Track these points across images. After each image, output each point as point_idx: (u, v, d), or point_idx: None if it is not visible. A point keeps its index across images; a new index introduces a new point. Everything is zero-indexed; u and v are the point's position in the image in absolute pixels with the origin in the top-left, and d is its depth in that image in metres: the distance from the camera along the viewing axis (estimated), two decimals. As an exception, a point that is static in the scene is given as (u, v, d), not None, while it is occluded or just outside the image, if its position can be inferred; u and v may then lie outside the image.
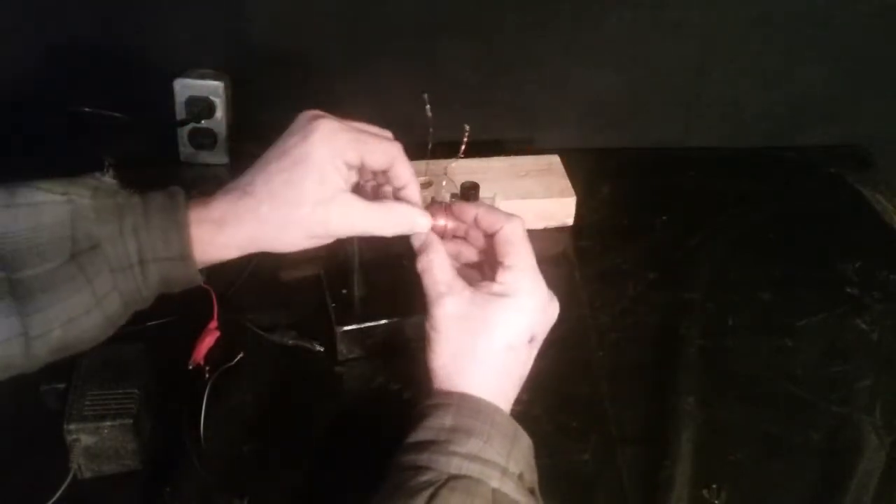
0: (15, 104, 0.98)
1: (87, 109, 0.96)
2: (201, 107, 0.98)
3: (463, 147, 0.86)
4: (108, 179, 0.57)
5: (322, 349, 0.78)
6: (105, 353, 0.69)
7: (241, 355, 0.76)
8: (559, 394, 0.75)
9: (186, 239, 0.54)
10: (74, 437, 0.64)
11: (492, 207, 0.60)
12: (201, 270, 0.57)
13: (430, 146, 0.80)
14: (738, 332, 0.84)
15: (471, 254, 0.62)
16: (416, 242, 0.60)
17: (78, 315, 0.53)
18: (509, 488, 0.51)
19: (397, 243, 0.61)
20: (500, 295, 0.56)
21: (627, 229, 0.97)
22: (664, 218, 0.98)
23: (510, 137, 1.07)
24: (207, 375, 0.73)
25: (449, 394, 0.55)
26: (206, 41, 1.01)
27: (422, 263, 0.58)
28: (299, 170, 0.55)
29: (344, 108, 0.60)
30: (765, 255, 0.94)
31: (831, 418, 0.75)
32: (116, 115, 0.96)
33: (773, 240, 0.96)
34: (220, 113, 0.99)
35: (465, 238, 0.62)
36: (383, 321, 0.77)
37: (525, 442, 0.55)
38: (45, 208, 0.53)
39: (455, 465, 0.51)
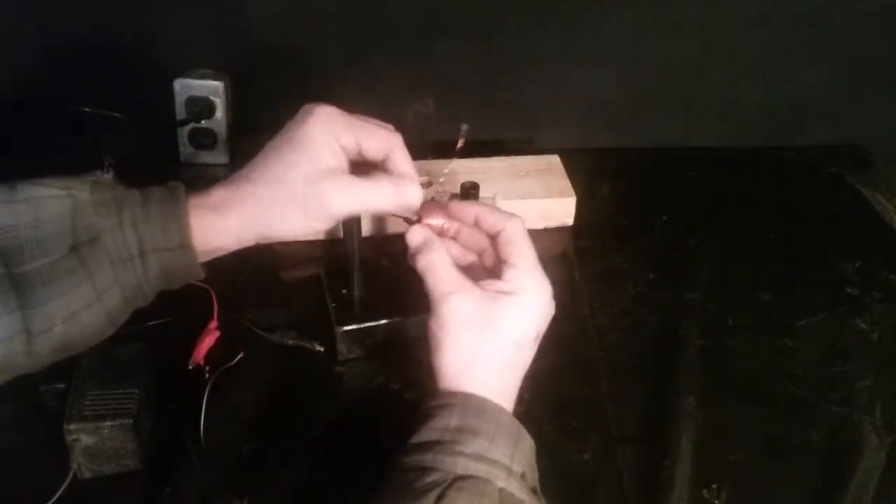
0: (15, 104, 0.98)
1: (87, 109, 0.96)
2: (201, 107, 0.98)
3: (459, 145, 0.86)
4: (107, 176, 0.57)
5: (322, 349, 0.78)
6: (105, 353, 0.69)
7: (241, 355, 0.76)
8: (559, 394, 0.75)
9: (185, 227, 0.55)
10: (74, 437, 0.64)
11: (492, 207, 0.61)
12: (202, 265, 0.57)
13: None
14: (738, 332, 0.84)
15: (462, 254, 0.62)
16: (413, 241, 0.60)
17: (79, 310, 0.53)
18: (515, 488, 0.52)
19: (397, 243, 0.61)
20: (507, 293, 0.57)
21: (627, 229, 0.97)
22: (664, 218, 0.98)
23: (510, 137, 1.07)
24: (207, 375, 0.73)
25: (453, 394, 0.55)
26: (206, 41, 1.01)
27: (424, 262, 0.58)
28: (295, 151, 0.56)
29: (344, 107, 0.60)
30: (765, 255, 0.94)
31: (831, 418, 0.75)
32: (116, 115, 0.96)
33: (773, 240, 0.96)
34: (220, 113, 0.99)
35: (454, 238, 0.62)
36: (383, 321, 0.77)
37: (528, 442, 0.55)
38: (46, 203, 0.53)
39: (461, 466, 0.51)
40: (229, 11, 0.98)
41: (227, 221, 0.56)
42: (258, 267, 0.86)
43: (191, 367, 0.74)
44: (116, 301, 0.54)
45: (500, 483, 0.51)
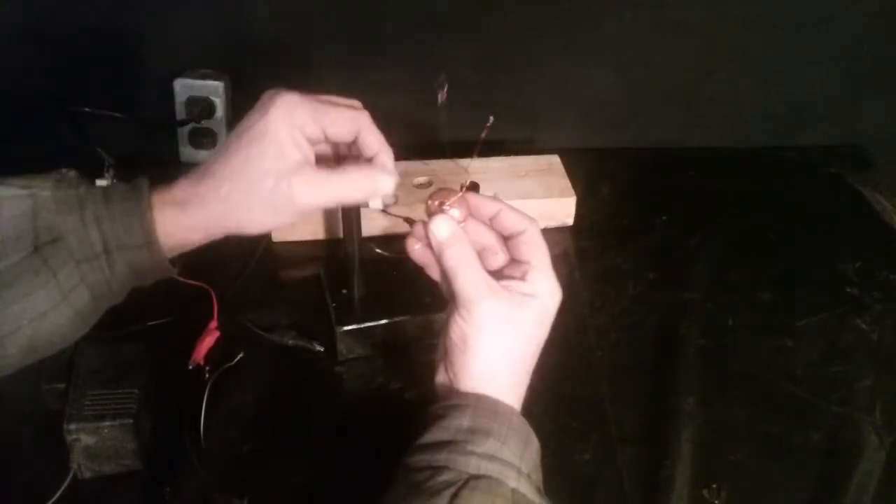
0: (15, 104, 0.98)
1: (87, 109, 0.96)
2: (201, 107, 0.98)
3: (483, 135, 0.85)
4: (72, 173, 0.55)
5: (322, 349, 0.78)
6: (105, 353, 0.69)
7: (241, 355, 0.76)
8: (559, 394, 0.75)
9: (149, 224, 0.54)
10: (74, 437, 0.64)
11: (512, 207, 0.59)
12: (174, 262, 0.56)
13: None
14: (738, 332, 0.84)
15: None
16: (441, 233, 0.56)
17: (46, 310, 0.52)
18: (526, 488, 0.51)
19: (397, 243, 0.60)
20: (531, 296, 0.56)
21: (627, 229, 0.97)
22: (664, 218, 0.98)
23: (510, 137, 1.07)
24: (207, 375, 0.73)
25: (465, 394, 0.55)
26: (206, 41, 1.01)
27: (454, 258, 0.56)
28: (257, 146, 0.55)
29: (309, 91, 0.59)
30: (765, 255, 0.94)
31: (831, 418, 0.75)
32: (116, 115, 0.96)
33: (773, 240, 0.96)
34: (220, 113, 0.99)
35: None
36: (383, 321, 0.77)
37: (535, 445, 0.55)
38: (5, 203, 0.52)
39: (474, 465, 0.51)
40: (229, 11, 0.98)
41: (192, 218, 0.55)
42: (258, 267, 0.86)
43: (191, 367, 0.74)
44: (85, 300, 0.54)
45: (512, 483, 0.51)
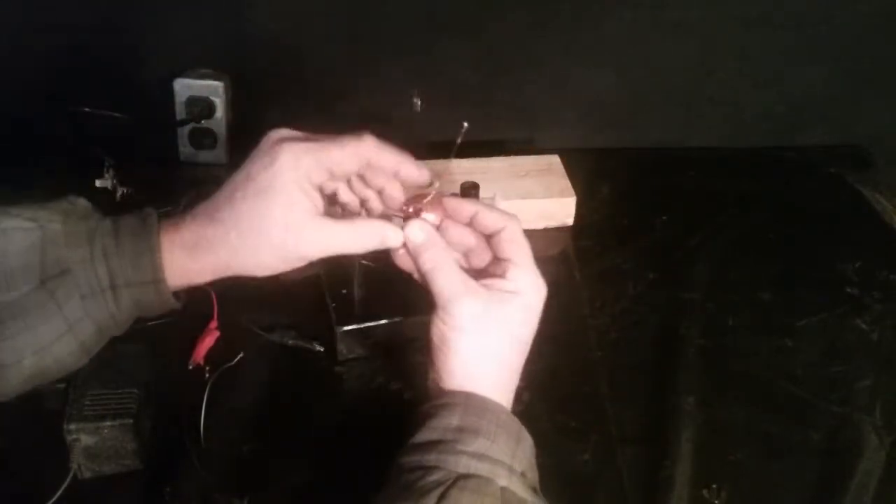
0: (15, 104, 0.98)
1: (87, 109, 0.96)
2: (201, 107, 0.98)
3: (459, 141, 0.85)
4: (82, 202, 0.56)
5: (322, 349, 0.78)
6: (105, 353, 0.69)
7: (241, 355, 0.76)
8: (559, 394, 0.75)
9: (158, 263, 0.54)
10: (74, 437, 0.64)
11: (489, 206, 0.60)
12: (178, 296, 0.56)
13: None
14: (738, 332, 0.84)
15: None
16: (415, 238, 0.58)
17: (49, 342, 0.52)
18: (517, 486, 0.52)
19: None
20: (512, 292, 0.56)
21: (627, 229, 0.97)
22: (664, 218, 0.98)
23: (510, 137, 1.07)
24: (207, 375, 0.73)
25: (455, 393, 0.55)
26: (206, 41, 1.01)
27: (430, 261, 0.57)
28: (264, 198, 0.54)
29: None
30: (765, 255, 0.94)
31: (831, 418, 0.75)
32: (116, 115, 0.96)
33: (773, 240, 0.96)
34: (220, 113, 0.99)
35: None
36: (383, 321, 0.77)
37: (528, 442, 0.55)
38: (14, 235, 0.52)
39: (464, 465, 0.51)
40: (229, 11, 0.98)
41: (200, 262, 0.55)
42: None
43: (191, 367, 0.74)
44: (89, 332, 0.54)
45: (502, 482, 0.51)
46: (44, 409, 0.68)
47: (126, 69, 0.99)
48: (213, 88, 0.98)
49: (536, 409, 0.73)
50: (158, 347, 0.72)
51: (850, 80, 1.09)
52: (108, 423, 0.64)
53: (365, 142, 0.57)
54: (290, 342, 0.79)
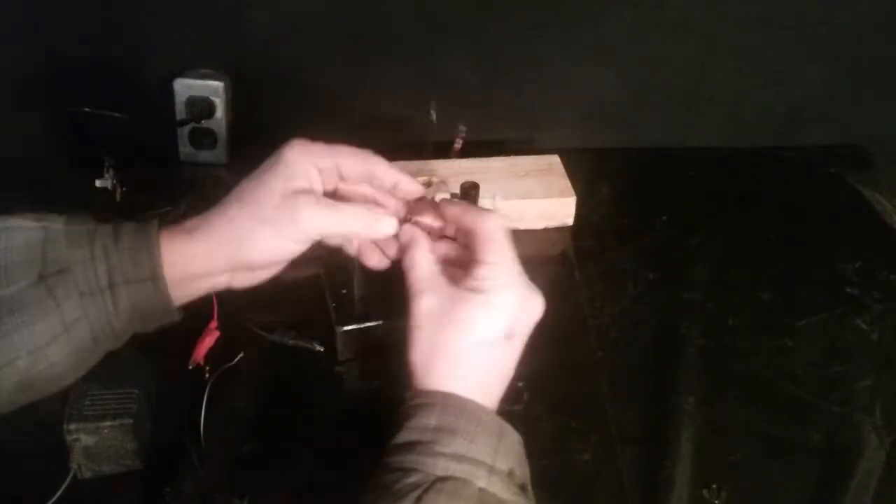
0: (15, 104, 0.98)
1: (87, 109, 0.96)
2: (201, 107, 0.98)
3: (459, 146, 0.86)
4: (82, 214, 0.57)
5: (322, 349, 0.78)
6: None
7: (241, 355, 0.76)
8: (559, 394, 0.75)
9: (156, 257, 0.54)
10: (74, 437, 0.64)
11: (470, 206, 0.61)
12: (178, 309, 0.57)
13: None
14: (738, 332, 0.84)
15: (458, 253, 0.62)
16: (401, 239, 0.60)
17: (45, 343, 0.52)
18: (497, 487, 0.51)
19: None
20: (475, 291, 0.56)
21: (627, 229, 0.97)
22: (664, 218, 0.98)
23: (510, 137, 1.07)
24: (207, 375, 0.73)
25: (433, 393, 0.55)
26: (206, 41, 1.01)
27: (406, 260, 0.59)
28: (269, 171, 0.57)
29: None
30: (765, 255, 0.94)
31: (831, 418, 0.75)
32: (116, 115, 0.96)
33: (773, 240, 0.96)
34: (220, 113, 0.99)
35: (454, 238, 0.62)
36: (383, 321, 0.77)
37: (513, 437, 0.55)
38: (17, 232, 0.53)
39: (441, 467, 0.51)
40: (229, 12, 0.98)
41: (198, 245, 0.56)
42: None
43: (191, 367, 0.74)
44: (84, 337, 0.54)
45: (481, 483, 0.51)
46: (44, 408, 0.68)
47: (126, 69, 0.99)
48: (213, 88, 0.98)
49: (536, 409, 0.73)
50: (158, 347, 0.72)
51: (850, 80, 1.09)
52: (108, 423, 0.64)
53: (375, 155, 0.60)
54: (290, 342, 0.79)
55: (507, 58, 1.04)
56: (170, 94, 0.98)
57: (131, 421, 0.65)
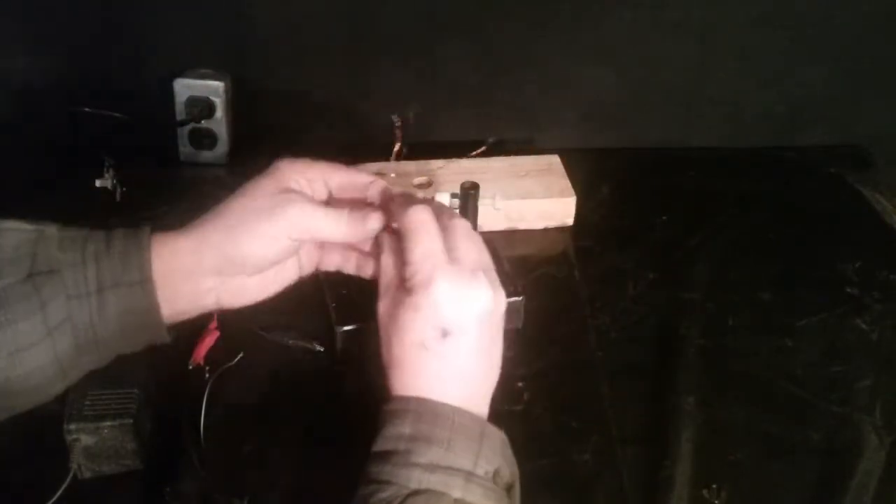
0: (15, 104, 0.98)
1: (87, 109, 0.96)
2: (201, 107, 0.98)
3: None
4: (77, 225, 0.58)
5: (322, 349, 0.78)
6: (105, 353, 0.69)
7: (241, 355, 0.76)
8: (559, 394, 0.75)
9: (146, 261, 0.55)
10: (74, 437, 0.64)
11: (407, 197, 0.61)
12: (169, 330, 0.58)
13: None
14: (738, 332, 0.83)
15: None
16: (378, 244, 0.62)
17: (27, 345, 0.52)
18: (475, 495, 0.51)
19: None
20: (407, 291, 0.56)
21: (627, 229, 0.97)
22: (664, 218, 0.98)
23: (510, 137, 1.07)
24: (207, 375, 0.73)
25: (406, 399, 0.55)
26: (206, 41, 1.01)
27: (378, 265, 0.61)
28: (263, 175, 0.60)
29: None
30: (765, 255, 0.94)
31: (831, 418, 0.75)
32: (116, 115, 0.96)
33: (773, 240, 0.96)
34: (220, 113, 0.99)
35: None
36: (383, 321, 0.77)
37: (496, 437, 0.54)
38: (10, 233, 0.53)
39: (416, 479, 0.50)
40: (229, 11, 0.98)
41: (186, 238, 0.57)
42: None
43: (191, 367, 0.74)
44: (67, 344, 0.54)
45: (457, 493, 0.50)
46: (44, 409, 0.68)
47: (126, 69, 1.00)
48: (213, 88, 0.98)
49: (536, 409, 0.73)
50: (158, 347, 0.72)
51: (850, 80, 1.09)
52: (108, 423, 0.64)
53: (371, 176, 0.63)
54: (290, 342, 0.79)
55: (507, 58, 1.04)
56: (170, 94, 0.98)
57: (131, 421, 0.64)
